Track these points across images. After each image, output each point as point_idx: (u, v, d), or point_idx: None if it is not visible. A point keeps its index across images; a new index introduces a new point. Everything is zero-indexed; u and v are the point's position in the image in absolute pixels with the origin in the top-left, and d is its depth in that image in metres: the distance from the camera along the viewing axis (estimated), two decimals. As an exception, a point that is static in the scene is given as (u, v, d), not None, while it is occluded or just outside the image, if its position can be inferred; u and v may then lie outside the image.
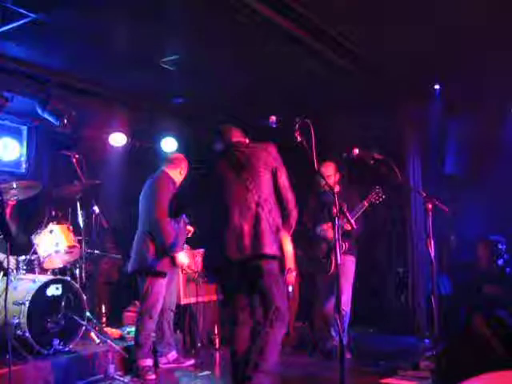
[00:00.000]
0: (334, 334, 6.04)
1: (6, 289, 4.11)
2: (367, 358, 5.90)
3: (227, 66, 6.44)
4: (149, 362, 5.33)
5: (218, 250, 4.12)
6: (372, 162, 5.70)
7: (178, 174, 5.61)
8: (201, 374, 5.51)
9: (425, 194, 5.22)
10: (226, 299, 4.40)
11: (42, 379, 4.84)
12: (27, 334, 5.04)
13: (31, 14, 5.14)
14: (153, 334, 5.56)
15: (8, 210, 6.16)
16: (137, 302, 6.74)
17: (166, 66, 6.43)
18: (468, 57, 6.16)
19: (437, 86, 7.20)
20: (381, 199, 5.99)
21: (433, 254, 4.99)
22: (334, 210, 3.83)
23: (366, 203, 5.95)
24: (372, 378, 5.14)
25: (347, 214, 4.76)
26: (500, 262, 7.24)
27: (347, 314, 5.98)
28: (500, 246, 7.37)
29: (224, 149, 4.45)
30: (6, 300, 4.06)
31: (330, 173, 6.16)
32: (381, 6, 5.15)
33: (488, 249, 7.37)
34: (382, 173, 5.74)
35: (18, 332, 5.07)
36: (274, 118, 4.35)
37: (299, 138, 4.15)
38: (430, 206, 5.03)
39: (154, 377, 5.24)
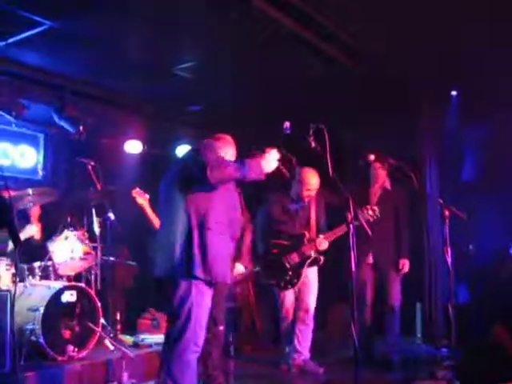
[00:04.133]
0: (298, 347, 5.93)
1: (14, 295, 4.11)
2: (382, 366, 5.82)
3: (243, 72, 6.43)
4: None
5: None
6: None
7: None
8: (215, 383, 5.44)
9: (442, 201, 5.16)
10: None
11: (55, 386, 4.84)
12: (41, 340, 5.04)
13: (47, 22, 5.18)
14: None
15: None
16: (152, 310, 6.75)
17: (181, 74, 6.44)
18: (485, 63, 6.10)
19: (454, 92, 7.15)
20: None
21: (450, 262, 4.93)
22: (349, 217, 3.83)
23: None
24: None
25: (363, 222, 4.76)
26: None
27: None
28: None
29: None
30: (13, 306, 4.05)
31: (316, 185, 5.91)
32: (399, 11, 5.13)
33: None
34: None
35: (33, 338, 5.07)
36: (288, 123, 4.31)
37: (313, 144, 4.14)
38: (447, 213, 4.97)
39: None
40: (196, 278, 3.78)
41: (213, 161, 3.80)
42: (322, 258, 5.90)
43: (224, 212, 3.99)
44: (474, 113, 7.18)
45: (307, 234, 5.90)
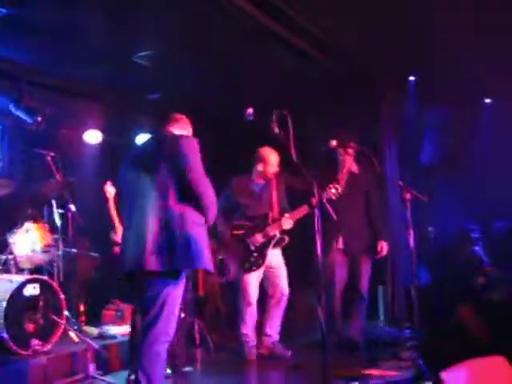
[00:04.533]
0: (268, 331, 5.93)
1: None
2: (348, 349, 5.88)
3: (202, 61, 6.40)
4: None
5: None
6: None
7: None
8: (182, 370, 5.46)
9: (402, 184, 5.20)
10: None
11: (20, 380, 4.75)
12: (5, 335, 4.94)
13: (2, 10, 5.06)
14: None
15: None
16: (116, 301, 6.71)
17: (140, 61, 6.38)
18: (442, 47, 6.20)
19: (412, 78, 7.24)
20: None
21: (412, 245, 4.99)
22: (314, 201, 3.86)
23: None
24: (353, 369, 5.13)
25: (328, 206, 4.79)
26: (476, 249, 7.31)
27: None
28: (474, 235, 7.42)
29: None
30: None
31: (275, 163, 5.83)
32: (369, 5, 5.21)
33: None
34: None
35: (-4, 333, 4.99)
36: (251, 110, 4.31)
37: (276, 130, 4.15)
38: (407, 196, 5.01)
39: None
40: (178, 268, 3.69)
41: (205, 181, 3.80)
42: (286, 238, 5.83)
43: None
44: (434, 97, 7.29)
45: (271, 214, 5.82)
